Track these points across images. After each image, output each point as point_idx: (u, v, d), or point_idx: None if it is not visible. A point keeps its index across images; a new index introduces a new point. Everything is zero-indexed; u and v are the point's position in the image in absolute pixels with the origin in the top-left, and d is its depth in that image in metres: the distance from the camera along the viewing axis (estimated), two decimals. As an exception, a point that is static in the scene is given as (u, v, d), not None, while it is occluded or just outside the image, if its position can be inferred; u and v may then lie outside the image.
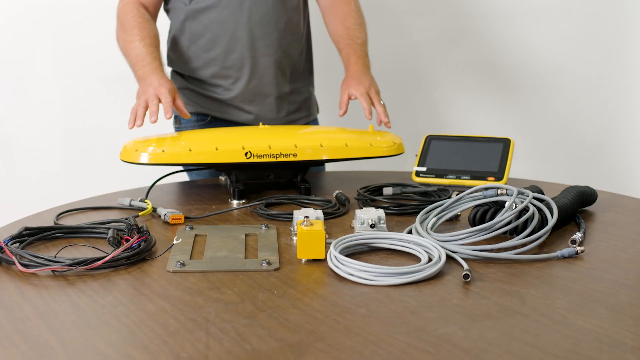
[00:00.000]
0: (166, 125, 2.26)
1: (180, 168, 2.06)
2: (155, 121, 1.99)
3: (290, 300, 1.20)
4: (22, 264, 1.33)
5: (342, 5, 2.40)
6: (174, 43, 2.43)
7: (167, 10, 2.42)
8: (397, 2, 3.29)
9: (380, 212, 1.58)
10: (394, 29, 3.16)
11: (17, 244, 1.47)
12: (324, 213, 1.64)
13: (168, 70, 2.49)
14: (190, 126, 2.44)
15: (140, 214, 1.76)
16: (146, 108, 2.03)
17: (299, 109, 2.49)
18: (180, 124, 2.47)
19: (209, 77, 2.38)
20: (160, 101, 2.04)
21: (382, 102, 2.21)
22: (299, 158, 1.93)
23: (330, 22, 2.43)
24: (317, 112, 2.63)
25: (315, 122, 2.60)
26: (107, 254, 1.36)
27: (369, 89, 2.22)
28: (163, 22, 2.44)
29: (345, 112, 2.23)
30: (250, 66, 2.34)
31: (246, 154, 1.90)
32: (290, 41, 2.40)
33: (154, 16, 2.36)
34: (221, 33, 2.32)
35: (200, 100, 2.42)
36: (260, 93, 2.38)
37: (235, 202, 1.88)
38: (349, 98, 2.23)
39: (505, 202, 1.51)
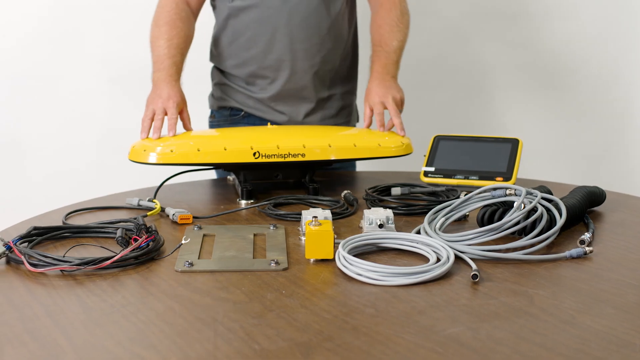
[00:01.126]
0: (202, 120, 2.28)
1: (189, 168, 2.07)
2: (158, 137, 2.00)
3: (298, 300, 1.21)
4: (30, 264, 1.34)
5: (382, 12, 2.37)
6: (216, 39, 2.44)
7: (213, 6, 2.44)
8: (408, 0, 3.29)
9: (389, 212, 1.58)
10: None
11: (26, 244, 1.48)
12: (332, 213, 1.64)
13: (207, 65, 2.50)
14: (223, 121, 2.46)
15: (148, 213, 1.76)
16: (152, 120, 2.04)
17: (336, 115, 2.48)
18: (214, 118, 2.48)
19: (246, 75, 2.39)
20: (166, 113, 2.05)
21: (399, 112, 2.19)
22: (307, 158, 1.93)
23: (370, 29, 2.41)
24: (357, 120, 2.62)
25: None
26: (115, 254, 1.36)
27: (384, 97, 2.20)
28: (209, 18, 2.45)
29: (369, 124, 2.21)
30: (288, 68, 2.34)
31: (254, 154, 1.90)
32: (332, 47, 2.39)
33: (195, 12, 2.36)
34: (261, 33, 2.32)
35: (237, 96, 2.43)
36: (295, 96, 2.38)
37: (243, 202, 1.89)
38: (371, 109, 2.22)
39: (513, 202, 1.51)
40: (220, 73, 2.47)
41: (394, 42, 2.33)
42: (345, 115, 2.52)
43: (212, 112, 2.52)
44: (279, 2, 2.30)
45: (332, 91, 2.45)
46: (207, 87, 2.54)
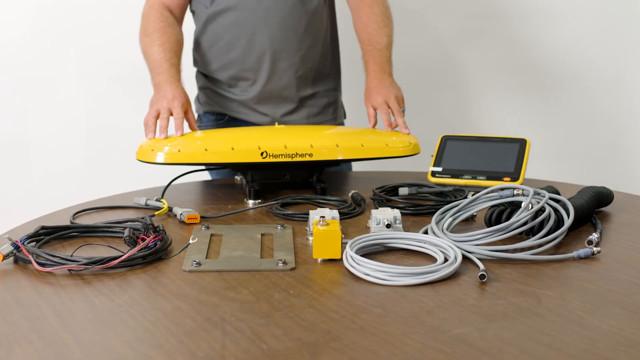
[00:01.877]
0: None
1: (196, 167, 2.07)
2: (165, 137, 1.99)
3: (306, 300, 1.21)
4: (38, 263, 1.34)
5: (365, 8, 2.36)
6: (196, 44, 2.44)
7: (192, 12, 2.44)
8: (414, 1, 3.29)
9: (396, 212, 1.57)
10: (410, 29, 3.17)
11: (34, 243, 1.48)
12: (339, 213, 1.64)
13: (193, 70, 2.50)
14: (210, 125, 2.46)
15: (156, 213, 1.76)
16: (157, 118, 2.04)
17: (321, 112, 2.48)
18: (202, 122, 2.48)
19: (228, 78, 2.39)
20: (172, 114, 2.05)
21: (402, 110, 2.20)
22: (314, 158, 1.93)
23: (355, 27, 2.41)
24: (344, 117, 2.62)
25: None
26: (123, 253, 1.36)
27: (387, 97, 2.20)
28: (189, 24, 2.46)
29: (375, 124, 2.22)
30: (268, 69, 2.34)
31: (262, 153, 1.90)
32: (310, 44, 2.39)
33: (179, 19, 2.37)
34: (239, 35, 2.32)
35: (220, 100, 2.42)
36: (277, 96, 2.38)
37: (251, 202, 1.89)
38: (374, 109, 2.23)
39: (521, 202, 1.51)
40: (203, 77, 2.47)
41: (383, 39, 2.33)
42: (331, 113, 2.52)
43: (198, 116, 2.51)
44: (255, 3, 2.30)
45: (315, 89, 2.45)
46: (194, 91, 2.54)
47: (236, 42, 2.33)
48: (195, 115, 2.48)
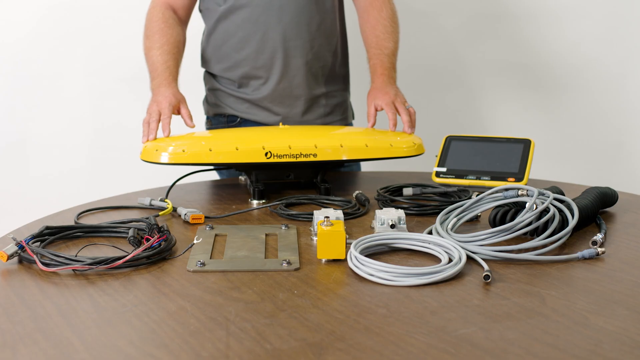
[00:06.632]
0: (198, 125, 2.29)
1: (201, 167, 2.07)
2: (153, 139, 2.00)
3: (310, 300, 1.21)
4: (43, 263, 1.34)
5: (374, 12, 2.37)
6: (206, 43, 2.44)
7: (201, 11, 2.44)
8: (418, 1, 3.29)
9: (400, 213, 1.57)
10: (414, 29, 3.17)
11: (38, 243, 1.48)
12: (344, 213, 1.64)
13: (197, 71, 2.50)
14: (221, 127, 2.46)
15: (160, 213, 1.76)
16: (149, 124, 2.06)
17: (331, 112, 2.47)
18: (211, 124, 2.48)
19: (239, 77, 2.38)
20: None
21: (408, 107, 2.19)
22: (318, 158, 1.93)
23: (362, 28, 2.41)
24: (353, 118, 2.62)
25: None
26: (127, 253, 1.37)
27: (394, 98, 2.21)
28: (198, 24, 2.46)
29: (374, 124, 2.22)
30: (280, 67, 2.34)
31: (266, 154, 1.90)
32: (323, 43, 2.39)
33: (183, 19, 2.37)
34: (252, 33, 2.32)
35: (230, 102, 2.42)
36: (290, 95, 2.38)
37: (255, 202, 1.89)
38: (376, 109, 2.23)
39: (525, 203, 1.51)
40: (212, 78, 2.47)
41: (390, 44, 2.34)
42: (341, 113, 2.51)
43: (208, 118, 2.52)
44: (268, 0, 2.30)
45: (326, 88, 2.45)
46: (202, 93, 2.54)
47: (249, 39, 2.33)
48: (204, 117, 2.49)
